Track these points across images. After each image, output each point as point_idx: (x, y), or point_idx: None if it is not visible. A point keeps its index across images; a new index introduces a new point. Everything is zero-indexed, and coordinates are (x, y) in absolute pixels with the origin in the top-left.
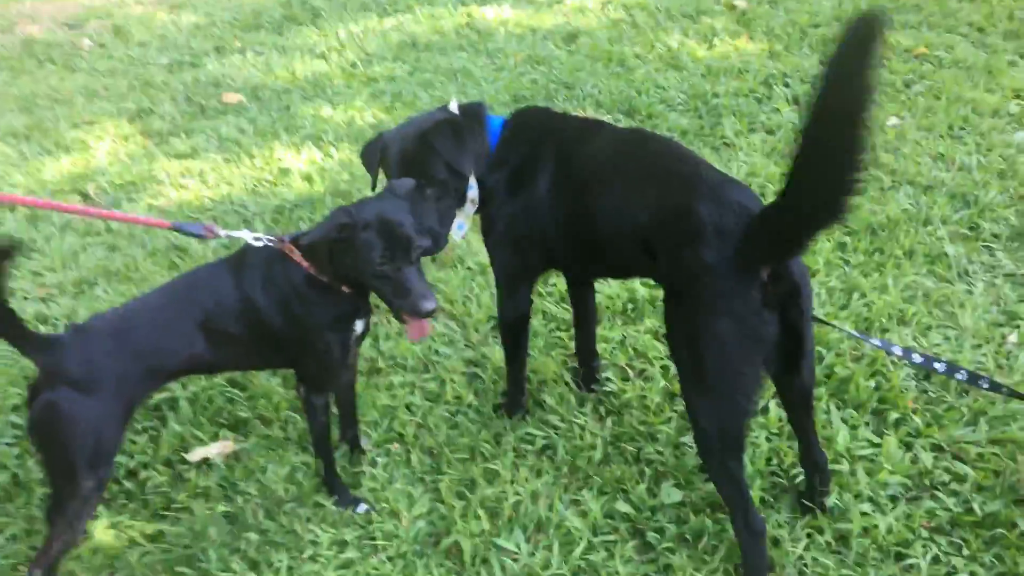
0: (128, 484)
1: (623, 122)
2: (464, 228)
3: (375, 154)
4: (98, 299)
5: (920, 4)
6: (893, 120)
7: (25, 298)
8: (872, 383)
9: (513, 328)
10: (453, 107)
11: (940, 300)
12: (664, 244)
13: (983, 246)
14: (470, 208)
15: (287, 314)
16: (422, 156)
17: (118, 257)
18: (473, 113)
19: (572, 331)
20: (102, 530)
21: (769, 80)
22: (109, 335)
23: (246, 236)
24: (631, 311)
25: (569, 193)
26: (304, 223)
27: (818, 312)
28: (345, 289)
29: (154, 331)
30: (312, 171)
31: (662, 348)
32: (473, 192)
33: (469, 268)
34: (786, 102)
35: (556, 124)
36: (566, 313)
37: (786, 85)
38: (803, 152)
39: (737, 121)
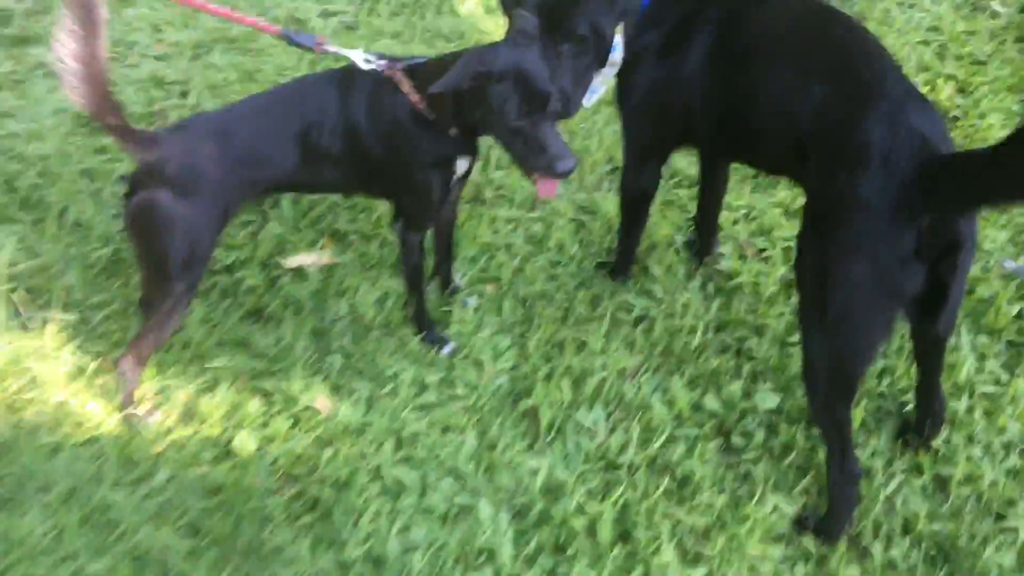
0: (223, 280)
1: None
2: (598, 93)
3: None
4: (213, 67)
5: None
6: None
7: (143, 55)
8: (1016, 308)
9: (634, 203)
10: None
11: None
12: (819, 157)
13: None
14: (610, 71)
15: (389, 145)
16: (566, 7)
17: (236, 24)
18: None
19: (695, 191)
20: (195, 325)
21: None
22: (210, 138)
23: (356, 57)
24: (763, 177)
25: (726, 66)
26: (430, 11)
27: None
28: (453, 132)
29: (253, 139)
30: None
31: (790, 227)
32: (617, 54)
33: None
34: None
35: None
36: (691, 168)
37: None
38: None
39: None
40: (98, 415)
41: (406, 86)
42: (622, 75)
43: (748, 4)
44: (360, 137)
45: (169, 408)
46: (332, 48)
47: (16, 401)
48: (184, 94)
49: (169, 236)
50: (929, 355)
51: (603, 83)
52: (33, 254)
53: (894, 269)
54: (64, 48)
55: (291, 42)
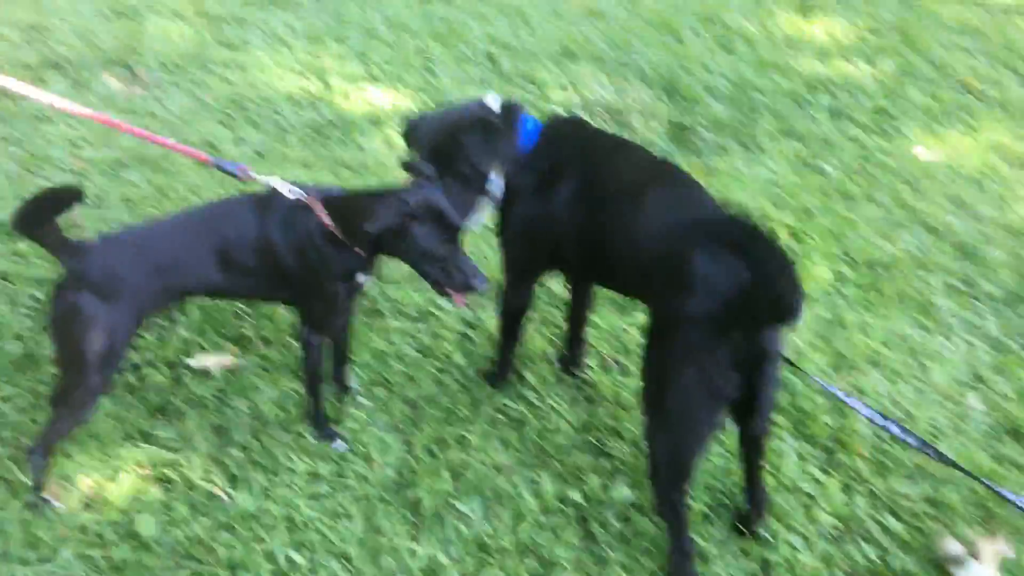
0: (131, 378)
1: (664, 100)
2: (481, 220)
3: (412, 134)
4: (129, 183)
5: (983, 31)
6: (920, 149)
7: (60, 169)
8: (831, 420)
9: (511, 317)
10: (493, 103)
11: (917, 350)
12: (658, 280)
13: (973, 303)
14: (489, 203)
15: (301, 259)
16: (450, 150)
17: (154, 144)
18: (510, 113)
19: (566, 313)
20: (101, 418)
21: (815, 84)
22: (133, 249)
23: (278, 184)
24: (625, 301)
25: (586, 207)
26: (335, 143)
27: (800, 338)
28: (358, 250)
29: (175, 252)
30: (353, 89)
31: None
32: (496, 189)
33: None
34: (827, 114)
35: (589, 141)
36: (564, 291)
37: (831, 95)
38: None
39: (774, 123)
40: (5, 499)
41: (320, 211)
42: (503, 208)
43: (604, 158)
44: (275, 252)
45: (73, 494)
46: (255, 175)
47: None
48: (100, 207)
49: (89, 335)
50: (751, 450)
51: (483, 210)
52: None
53: (716, 375)
54: (31, 203)
55: (220, 168)
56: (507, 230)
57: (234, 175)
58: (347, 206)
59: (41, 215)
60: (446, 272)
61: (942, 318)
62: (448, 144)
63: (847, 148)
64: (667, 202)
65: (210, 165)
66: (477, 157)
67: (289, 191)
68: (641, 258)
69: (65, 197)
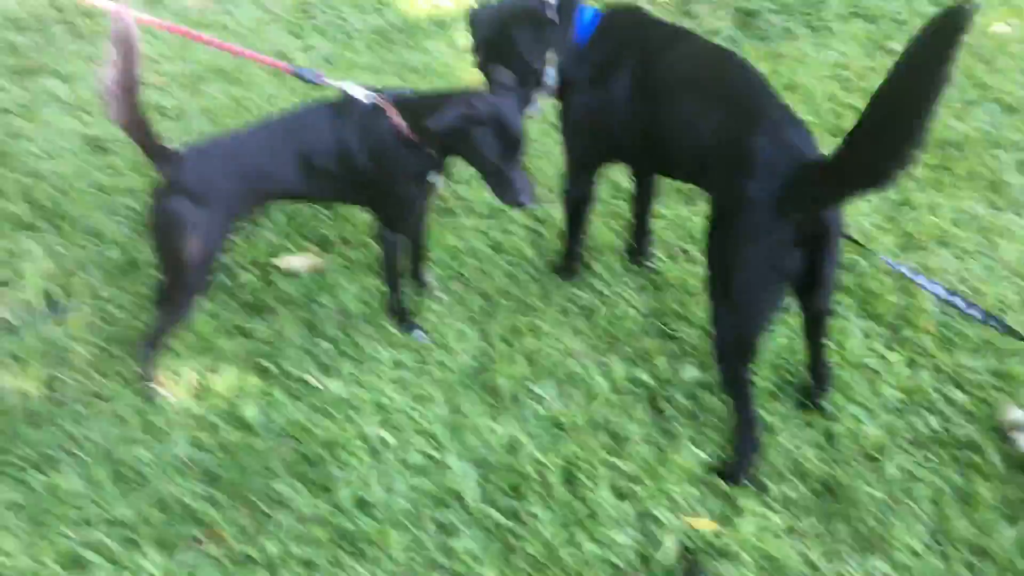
0: (225, 279)
1: None
2: (537, 107)
3: (472, 25)
4: (208, 96)
5: None
6: (1001, 26)
7: (142, 84)
8: (897, 299)
9: (574, 206)
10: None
11: (987, 227)
12: (718, 167)
13: None
14: (544, 92)
15: (376, 162)
16: (502, 43)
17: (228, 56)
18: (566, 3)
19: (631, 204)
20: (201, 316)
21: None
22: (222, 156)
23: (353, 89)
24: (690, 191)
25: (643, 99)
26: (401, 47)
27: (866, 220)
28: (431, 152)
29: (260, 158)
30: None
31: None
32: (550, 80)
33: (551, 123)
34: None
35: (643, 31)
36: (628, 183)
37: None
38: (864, 124)
39: (842, 3)
40: (120, 392)
41: (393, 113)
42: (563, 99)
43: (660, 48)
44: (352, 156)
45: (181, 386)
46: (330, 81)
47: (49, 378)
48: (181, 119)
49: (186, 239)
50: (814, 328)
51: (539, 102)
52: (57, 256)
53: (779, 251)
54: (106, 74)
55: (298, 76)
56: (566, 121)
57: (311, 81)
58: (419, 107)
59: (124, 86)
60: (499, 181)
61: (1013, 195)
62: (500, 37)
63: (919, 26)
64: (723, 89)
65: (288, 73)
66: (528, 51)
67: (364, 95)
68: (700, 145)
69: (127, 50)
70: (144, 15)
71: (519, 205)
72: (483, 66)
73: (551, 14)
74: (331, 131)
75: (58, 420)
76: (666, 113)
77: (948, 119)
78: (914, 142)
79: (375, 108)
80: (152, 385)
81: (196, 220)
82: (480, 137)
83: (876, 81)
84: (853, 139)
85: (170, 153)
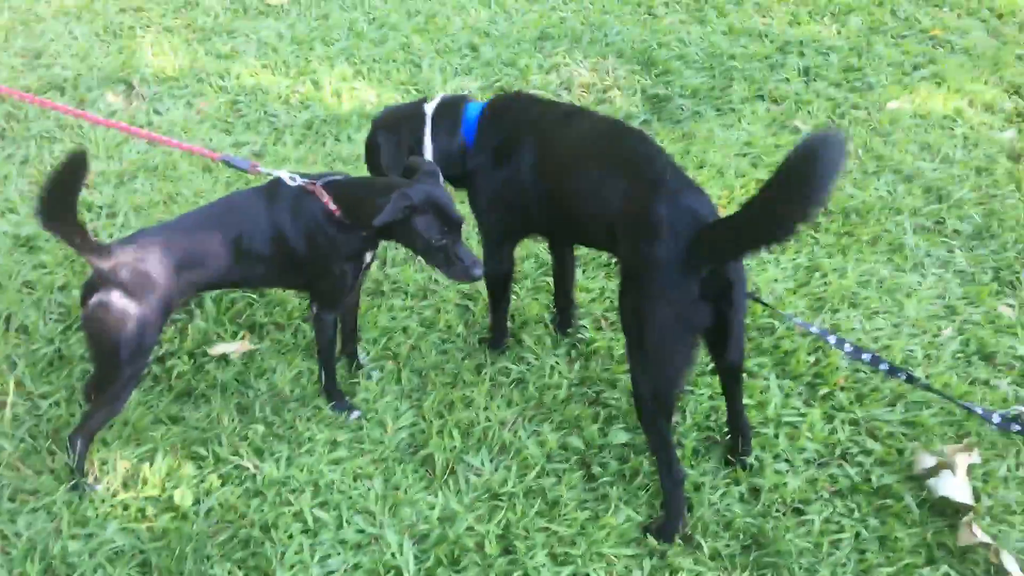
0: (156, 369)
1: (639, 74)
2: None
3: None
4: (137, 192)
5: None
6: (893, 104)
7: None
8: (812, 358)
9: (497, 282)
10: (430, 105)
11: (892, 288)
12: (625, 233)
13: (943, 241)
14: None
15: (311, 243)
16: (370, 148)
17: (157, 153)
18: (449, 110)
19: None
20: (132, 407)
21: (785, 47)
22: (156, 247)
23: (285, 176)
24: (614, 265)
25: (547, 172)
26: (329, 139)
27: (779, 286)
28: (363, 233)
29: (193, 247)
30: (342, 88)
31: None
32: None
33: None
34: (797, 73)
35: (535, 109)
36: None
37: (801, 54)
38: (762, 196)
39: (747, 87)
40: (50, 485)
41: (325, 197)
42: (470, 185)
43: (556, 124)
44: (286, 239)
45: (113, 476)
46: (264, 169)
47: None
48: (112, 215)
49: (120, 332)
50: (731, 383)
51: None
52: None
53: (688, 307)
54: (48, 192)
55: (230, 165)
56: (478, 205)
57: (244, 170)
58: (351, 193)
59: (61, 197)
60: (447, 260)
61: (914, 256)
62: (369, 142)
63: (819, 105)
64: (625, 159)
65: (220, 161)
66: (386, 156)
67: (293, 180)
68: (606, 214)
69: (75, 167)
70: (79, 111)
71: (471, 279)
72: (408, 163)
73: (426, 118)
74: (264, 214)
75: None
76: (572, 184)
77: (850, 188)
78: (800, 221)
79: (307, 192)
80: (84, 480)
81: (130, 312)
82: (421, 223)
83: (782, 157)
84: (756, 201)
85: (100, 247)
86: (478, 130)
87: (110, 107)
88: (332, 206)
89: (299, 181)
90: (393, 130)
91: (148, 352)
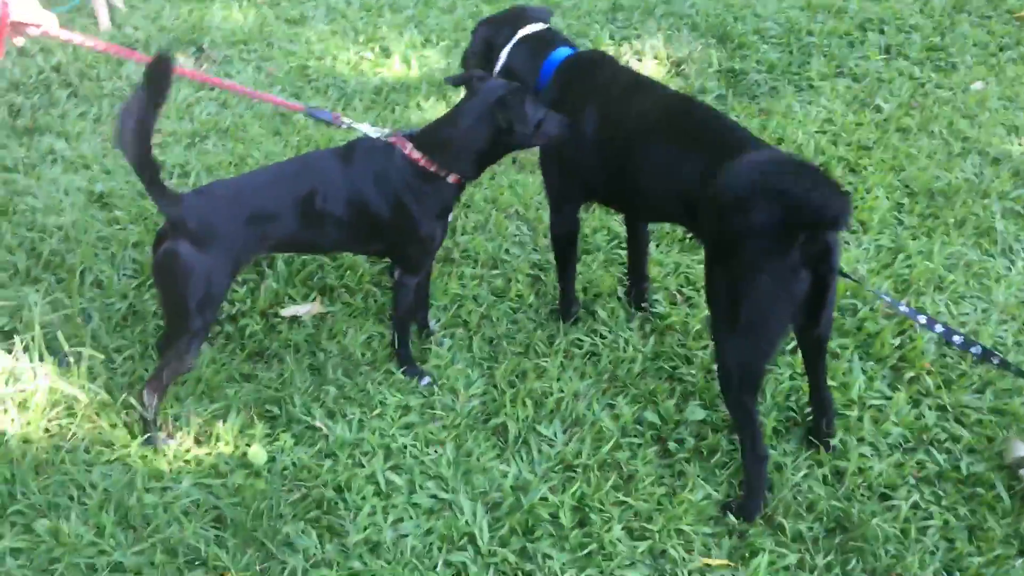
0: (229, 328)
1: (714, 47)
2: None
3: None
4: (208, 152)
5: None
6: (978, 84)
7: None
8: (897, 341)
9: (560, 242)
10: (525, 29)
11: (979, 273)
12: (711, 205)
13: None
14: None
15: (397, 206)
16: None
17: (228, 115)
18: (538, 44)
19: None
20: (205, 364)
21: (865, 24)
22: (226, 200)
23: (369, 129)
24: (688, 239)
25: (611, 144)
26: (398, 107)
27: (861, 268)
28: (451, 180)
29: (264, 203)
30: (411, 55)
31: None
32: None
33: None
34: (878, 50)
35: (607, 75)
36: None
37: (881, 32)
38: None
39: (825, 63)
40: (126, 438)
41: (409, 147)
42: None
43: (623, 95)
44: (367, 204)
45: (186, 433)
46: (347, 120)
47: (54, 427)
48: (184, 175)
49: (187, 281)
50: (815, 358)
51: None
52: (61, 307)
53: (789, 275)
54: (126, 109)
55: (313, 117)
56: (543, 155)
57: (327, 121)
58: (435, 138)
59: (143, 111)
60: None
61: (1003, 241)
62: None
63: (901, 84)
64: (700, 131)
65: (304, 113)
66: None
67: (379, 133)
68: (684, 189)
69: (160, 70)
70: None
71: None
72: (456, 78)
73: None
74: (340, 178)
75: (63, 467)
76: (638, 160)
77: (935, 169)
78: None
79: (386, 148)
80: (158, 433)
81: (197, 263)
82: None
83: (863, 135)
84: None
85: (172, 195)
86: (552, 79)
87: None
88: (417, 155)
89: (384, 133)
90: (485, 34)
91: (216, 305)
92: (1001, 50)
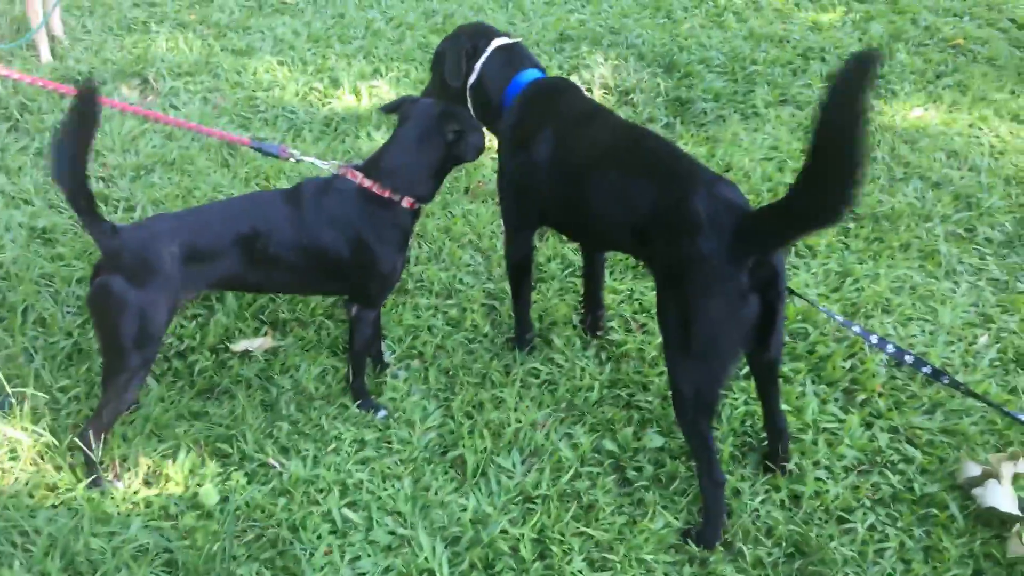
0: (177, 364)
1: (660, 78)
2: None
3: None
4: (154, 186)
5: None
6: (917, 111)
7: (87, 176)
8: (847, 364)
9: (515, 268)
10: (499, 41)
11: (925, 295)
12: (662, 232)
13: (975, 249)
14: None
15: (358, 245)
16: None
17: (174, 147)
18: (509, 59)
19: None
20: (153, 402)
21: (808, 53)
22: (164, 236)
23: (317, 161)
24: (641, 267)
25: (565, 171)
26: (348, 137)
27: (811, 292)
28: (406, 204)
29: (204, 241)
30: (359, 85)
31: None
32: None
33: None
34: (820, 78)
35: (564, 102)
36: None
37: (823, 60)
38: (807, 168)
39: (770, 91)
40: (72, 480)
41: (359, 177)
42: (499, 153)
43: (578, 123)
44: (323, 248)
45: (134, 473)
46: (296, 154)
47: None
48: (130, 209)
49: (121, 316)
50: (767, 383)
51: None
52: (3, 346)
53: (738, 299)
54: (63, 140)
55: (259, 150)
56: (500, 178)
57: (273, 155)
58: (387, 159)
59: (73, 143)
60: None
61: (947, 264)
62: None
63: None
64: (650, 159)
65: (248, 147)
66: (448, 68)
67: (327, 166)
68: (633, 215)
69: (86, 103)
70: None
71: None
72: (387, 106)
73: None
74: (288, 222)
75: (6, 514)
76: (590, 189)
77: (879, 194)
78: (856, 176)
79: (335, 186)
80: (104, 475)
81: (131, 299)
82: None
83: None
84: (801, 182)
85: (108, 228)
86: (515, 99)
87: (125, 101)
88: (369, 183)
89: (332, 165)
90: (462, 43)
91: (153, 342)
92: (938, 77)
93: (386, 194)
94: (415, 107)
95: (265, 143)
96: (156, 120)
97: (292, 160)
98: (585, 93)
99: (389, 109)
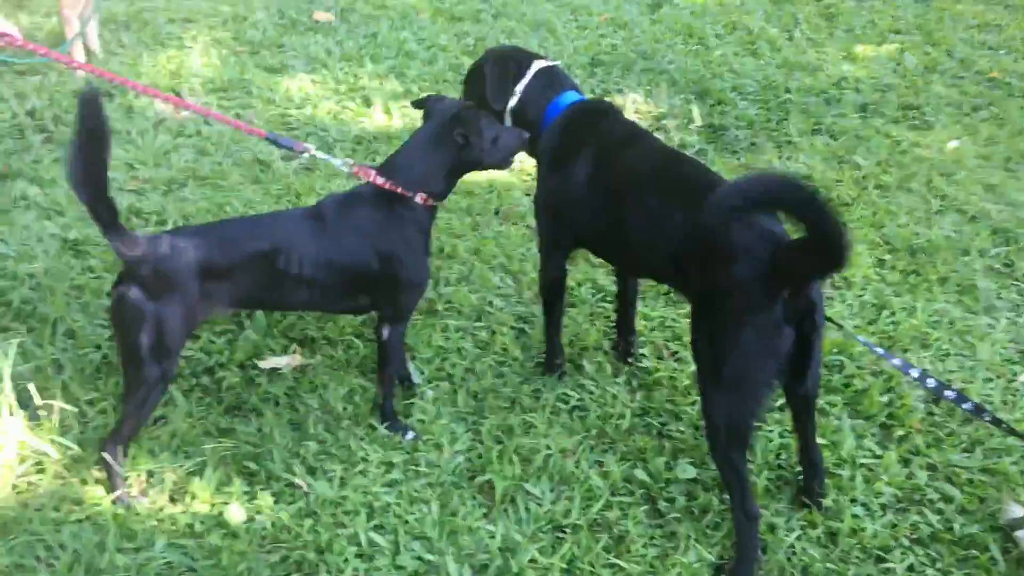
0: (205, 380)
1: (695, 103)
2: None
3: None
4: (186, 200)
5: (1002, 24)
6: (953, 143)
7: (120, 189)
8: (885, 399)
9: (547, 289)
10: (540, 63)
11: (963, 330)
12: (696, 260)
13: (1013, 284)
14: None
15: (385, 255)
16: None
17: (207, 162)
18: (551, 82)
19: (614, 303)
20: (181, 417)
21: (841, 83)
22: (183, 249)
23: (337, 162)
24: (674, 294)
25: (603, 194)
26: (379, 156)
27: (847, 323)
28: (420, 200)
29: (220, 256)
30: (391, 105)
31: None
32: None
33: (528, 227)
34: (854, 108)
35: (605, 125)
36: (613, 285)
37: (857, 90)
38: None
39: (803, 120)
40: (97, 495)
41: (372, 175)
42: (538, 174)
43: (615, 147)
44: (351, 261)
45: (160, 490)
46: (314, 150)
47: (23, 483)
48: (162, 223)
49: (138, 328)
50: (804, 416)
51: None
52: (32, 358)
53: (772, 330)
54: (75, 150)
55: (276, 143)
56: (537, 198)
57: (291, 149)
58: (400, 156)
59: (89, 151)
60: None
61: (985, 299)
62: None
63: (878, 142)
64: (686, 185)
65: (266, 139)
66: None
67: (343, 164)
68: (668, 243)
69: (92, 109)
70: (157, 92)
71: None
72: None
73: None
74: (314, 239)
75: (31, 527)
76: (631, 212)
77: (915, 226)
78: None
79: (354, 196)
80: (126, 490)
81: (148, 310)
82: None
83: (843, 192)
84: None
85: (130, 238)
86: (555, 121)
87: (159, 115)
88: (384, 181)
89: (348, 164)
90: (503, 65)
91: (170, 355)
92: (975, 110)
93: (398, 190)
94: (437, 105)
95: (283, 137)
96: (176, 105)
97: (307, 155)
98: (625, 116)
99: (417, 105)
